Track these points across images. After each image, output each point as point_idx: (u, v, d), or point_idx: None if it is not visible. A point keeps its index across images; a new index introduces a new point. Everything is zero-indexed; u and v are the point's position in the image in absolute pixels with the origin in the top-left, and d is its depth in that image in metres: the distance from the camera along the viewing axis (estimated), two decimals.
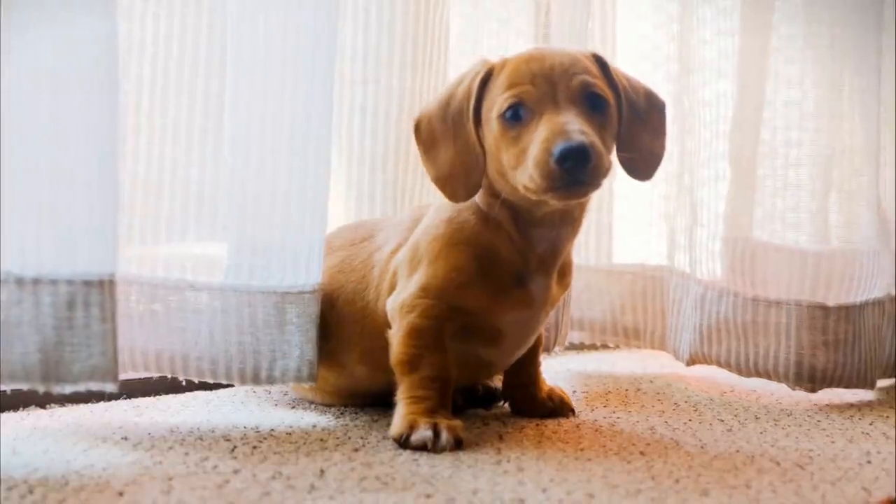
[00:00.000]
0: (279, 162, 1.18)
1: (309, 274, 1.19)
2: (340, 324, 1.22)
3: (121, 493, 0.89)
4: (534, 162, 1.04)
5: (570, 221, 1.16)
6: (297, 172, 1.18)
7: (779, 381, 1.45)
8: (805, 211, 1.49)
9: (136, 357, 1.18)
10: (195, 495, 0.90)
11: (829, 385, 1.43)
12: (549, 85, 1.08)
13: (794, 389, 1.45)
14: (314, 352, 1.19)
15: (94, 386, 1.02)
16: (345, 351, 1.22)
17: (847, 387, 1.44)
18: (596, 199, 1.62)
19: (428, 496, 0.91)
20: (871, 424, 1.28)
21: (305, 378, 1.19)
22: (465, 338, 1.16)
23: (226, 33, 1.19)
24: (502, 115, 1.08)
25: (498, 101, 1.09)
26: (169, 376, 1.20)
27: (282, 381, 1.20)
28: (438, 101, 1.16)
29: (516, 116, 1.08)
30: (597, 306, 1.65)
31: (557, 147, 1.02)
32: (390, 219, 1.30)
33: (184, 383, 1.25)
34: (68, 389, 1.01)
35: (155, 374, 1.20)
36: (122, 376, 1.28)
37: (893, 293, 1.53)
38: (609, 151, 1.10)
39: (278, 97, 1.17)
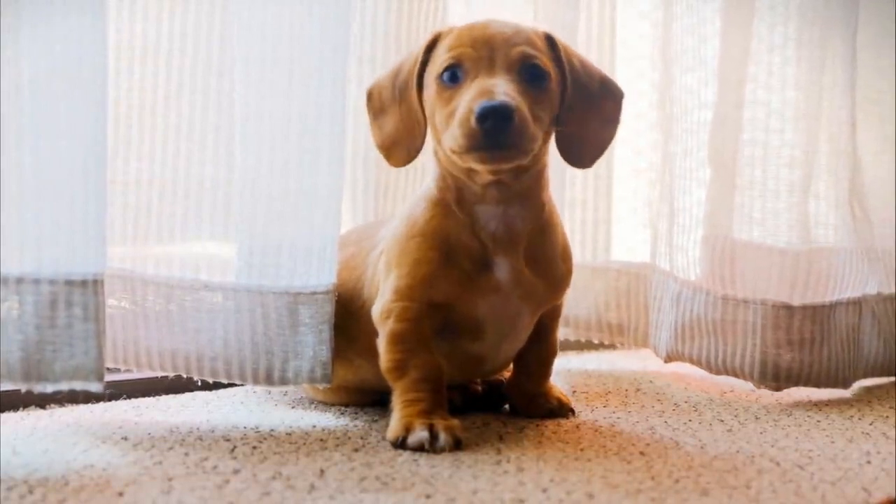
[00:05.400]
0: (291, 160, 1.18)
1: (322, 274, 1.19)
2: (345, 318, 1.22)
3: (121, 494, 0.90)
4: (458, 121, 1.05)
5: (517, 198, 1.14)
6: (309, 171, 1.18)
7: (745, 379, 1.45)
8: (774, 210, 1.49)
9: (153, 357, 1.19)
10: (195, 495, 0.90)
11: (796, 384, 1.44)
12: (488, 50, 1.09)
13: (758, 388, 1.46)
14: (328, 353, 1.19)
15: (78, 385, 1.02)
16: (349, 345, 1.22)
17: (816, 386, 1.45)
18: (581, 196, 1.64)
19: (428, 496, 0.91)
20: (871, 424, 1.28)
21: (319, 379, 1.19)
22: (447, 334, 1.16)
23: (237, 30, 1.19)
24: (440, 76, 1.10)
25: (437, 62, 1.11)
26: (171, 375, 1.21)
27: (295, 382, 1.20)
28: (390, 70, 1.19)
29: (453, 78, 1.09)
30: (582, 303, 1.65)
31: (478, 105, 1.03)
32: (389, 220, 1.30)
33: (194, 380, 1.25)
34: (50, 389, 1.01)
35: (171, 374, 1.21)
36: (125, 376, 1.30)
37: (879, 292, 1.54)
38: (541, 125, 1.09)
39: (288, 95, 1.17)
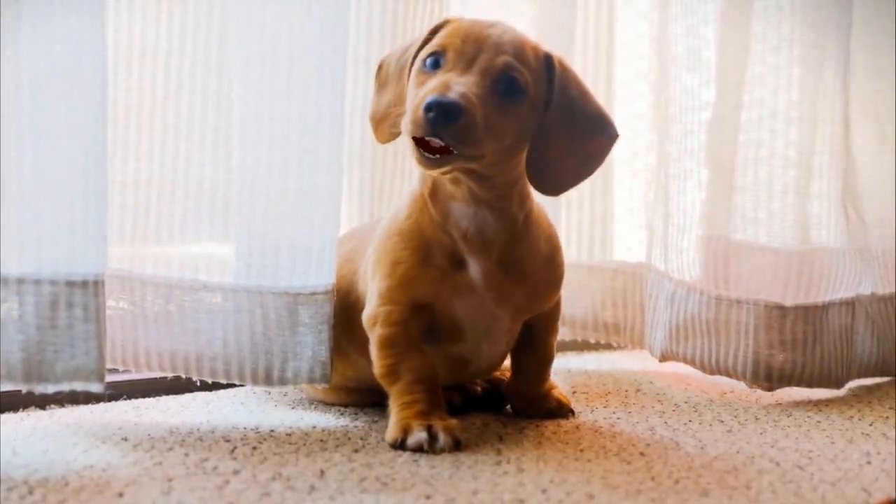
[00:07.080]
0: (290, 161, 1.18)
1: (321, 274, 1.19)
2: (343, 313, 1.22)
3: (121, 494, 0.89)
4: (412, 107, 1.05)
5: (485, 204, 1.13)
6: (308, 171, 1.18)
7: (738, 379, 1.46)
8: (771, 211, 1.49)
9: (152, 357, 1.19)
10: (195, 496, 0.90)
11: (788, 384, 1.44)
12: (474, 49, 1.08)
13: (751, 388, 1.46)
14: (327, 353, 1.19)
15: (79, 386, 1.02)
16: (348, 341, 1.22)
17: (808, 386, 1.45)
18: (578, 195, 1.63)
19: (428, 497, 0.91)
20: (870, 425, 1.28)
21: (318, 379, 1.20)
22: (430, 336, 1.16)
23: (236, 31, 1.19)
24: (424, 60, 1.10)
25: (427, 47, 1.11)
26: (171, 376, 1.21)
27: (294, 383, 1.21)
28: (401, 47, 1.19)
29: (434, 64, 1.09)
30: (578, 302, 1.65)
31: (430, 97, 1.02)
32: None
33: (194, 381, 1.25)
34: (51, 389, 1.01)
35: (170, 374, 1.21)
36: (125, 377, 1.30)
37: (874, 292, 1.54)
38: (500, 137, 1.07)
39: (287, 95, 1.17)
